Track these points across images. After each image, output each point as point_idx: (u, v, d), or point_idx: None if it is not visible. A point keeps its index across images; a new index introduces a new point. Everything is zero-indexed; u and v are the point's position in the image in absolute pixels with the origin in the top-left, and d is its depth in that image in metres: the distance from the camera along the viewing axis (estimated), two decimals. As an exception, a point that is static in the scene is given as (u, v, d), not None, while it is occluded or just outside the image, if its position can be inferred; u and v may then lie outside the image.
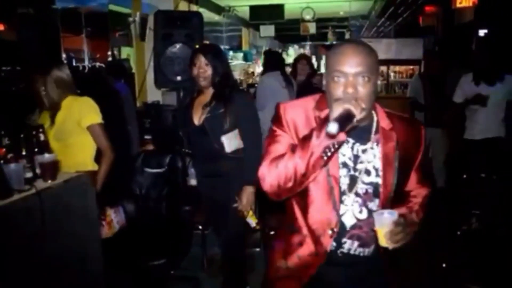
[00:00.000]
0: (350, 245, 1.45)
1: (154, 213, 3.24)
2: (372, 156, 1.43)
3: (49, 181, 1.91)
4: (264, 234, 3.47)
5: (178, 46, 3.80)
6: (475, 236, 3.53)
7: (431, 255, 3.64)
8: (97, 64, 3.94)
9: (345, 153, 1.42)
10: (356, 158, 1.43)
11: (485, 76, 3.97)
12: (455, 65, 6.17)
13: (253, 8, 10.10)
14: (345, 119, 1.23)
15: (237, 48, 12.12)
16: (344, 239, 1.45)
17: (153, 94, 4.78)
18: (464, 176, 3.39)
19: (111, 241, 2.98)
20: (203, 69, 2.54)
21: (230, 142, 2.56)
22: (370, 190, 1.43)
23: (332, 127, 1.19)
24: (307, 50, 12.16)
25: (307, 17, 10.68)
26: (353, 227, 1.44)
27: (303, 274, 1.49)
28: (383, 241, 1.35)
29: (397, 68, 7.72)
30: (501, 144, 4.10)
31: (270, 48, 7.52)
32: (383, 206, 1.43)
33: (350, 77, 1.32)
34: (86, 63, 4.16)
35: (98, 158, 2.70)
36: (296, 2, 10.00)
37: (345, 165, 1.42)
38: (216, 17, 10.28)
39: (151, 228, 3.14)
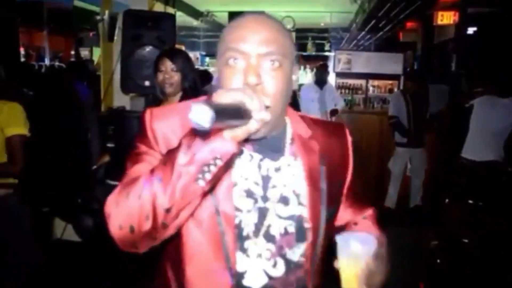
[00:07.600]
0: None
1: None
2: (290, 175, 0.97)
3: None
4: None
5: (148, 49, 3.53)
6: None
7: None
8: (56, 63, 3.62)
9: (249, 175, 0.94)
10: (266, 181, 0.95)
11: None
12: (434, 82, 6.10)
13: (232, 14, 9.85)
14: (231, 114, 0.71)
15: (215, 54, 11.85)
16: None
17: (121, 99, 4.47)
18: (447, 200, 3.21)
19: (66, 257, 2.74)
20: (169, 74, 2.33)
21: None
22: (292, 229, 0.95)
23: (199, 115, 0.63)
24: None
25: (287, 26, 10.45)
26: None
27: None
28: (354, 287, 0.89)
29: (376, 82, 7.60)
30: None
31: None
32: (312, 253, 0.96)
33: (252, 59, 0.88)
34: (47, 61, 3.83)
35: None
36: (276, 10, 9.85)
37: (249, 193, 0.94)
38: (194, 22, 10.02)
39: (107, 247, 2.87)
